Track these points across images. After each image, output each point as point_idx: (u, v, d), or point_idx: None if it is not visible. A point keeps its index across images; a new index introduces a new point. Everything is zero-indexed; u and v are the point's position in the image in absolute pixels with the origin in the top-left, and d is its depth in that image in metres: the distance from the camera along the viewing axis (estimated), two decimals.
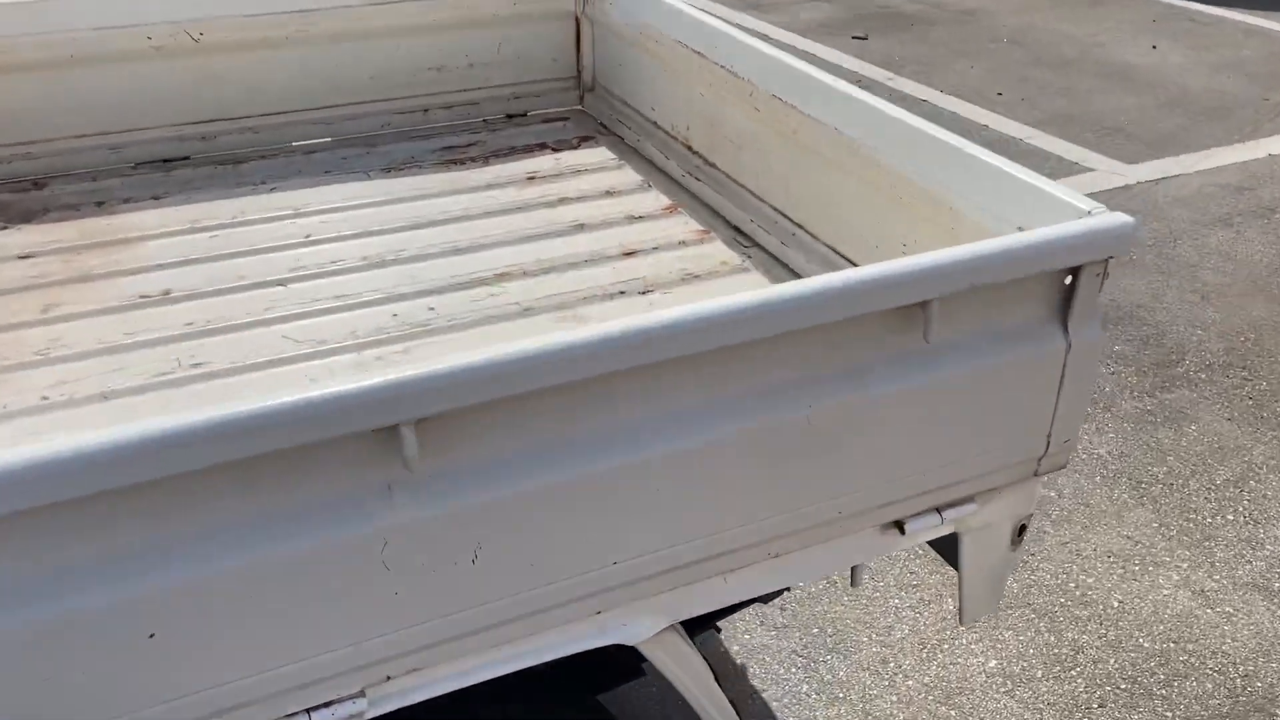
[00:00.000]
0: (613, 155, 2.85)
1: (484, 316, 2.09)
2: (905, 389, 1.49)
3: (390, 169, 2.72)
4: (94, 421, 1.73)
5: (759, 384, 1.40)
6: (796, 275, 2.30)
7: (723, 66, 2.43)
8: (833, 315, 1.37)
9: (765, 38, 7.70)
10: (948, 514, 1.65)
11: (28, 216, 2.40)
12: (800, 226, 2.33)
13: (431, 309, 2.12)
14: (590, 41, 3.07)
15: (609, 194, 2.63)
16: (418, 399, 1.16)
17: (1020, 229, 1.69)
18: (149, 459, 1.05)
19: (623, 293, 2.20)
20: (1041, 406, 1.63)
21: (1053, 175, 5.53)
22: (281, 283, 2.18)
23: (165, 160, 2.70)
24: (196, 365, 1.89)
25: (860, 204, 2.11)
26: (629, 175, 2.74)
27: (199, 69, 2.70)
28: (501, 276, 2.24)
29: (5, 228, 2.35)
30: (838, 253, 2.22)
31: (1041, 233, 1.50)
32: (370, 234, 2.39)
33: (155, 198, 2.51)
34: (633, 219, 2.51)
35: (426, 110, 2.99)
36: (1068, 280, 1.57)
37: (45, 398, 1.78)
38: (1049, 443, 1.67)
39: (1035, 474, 1.71)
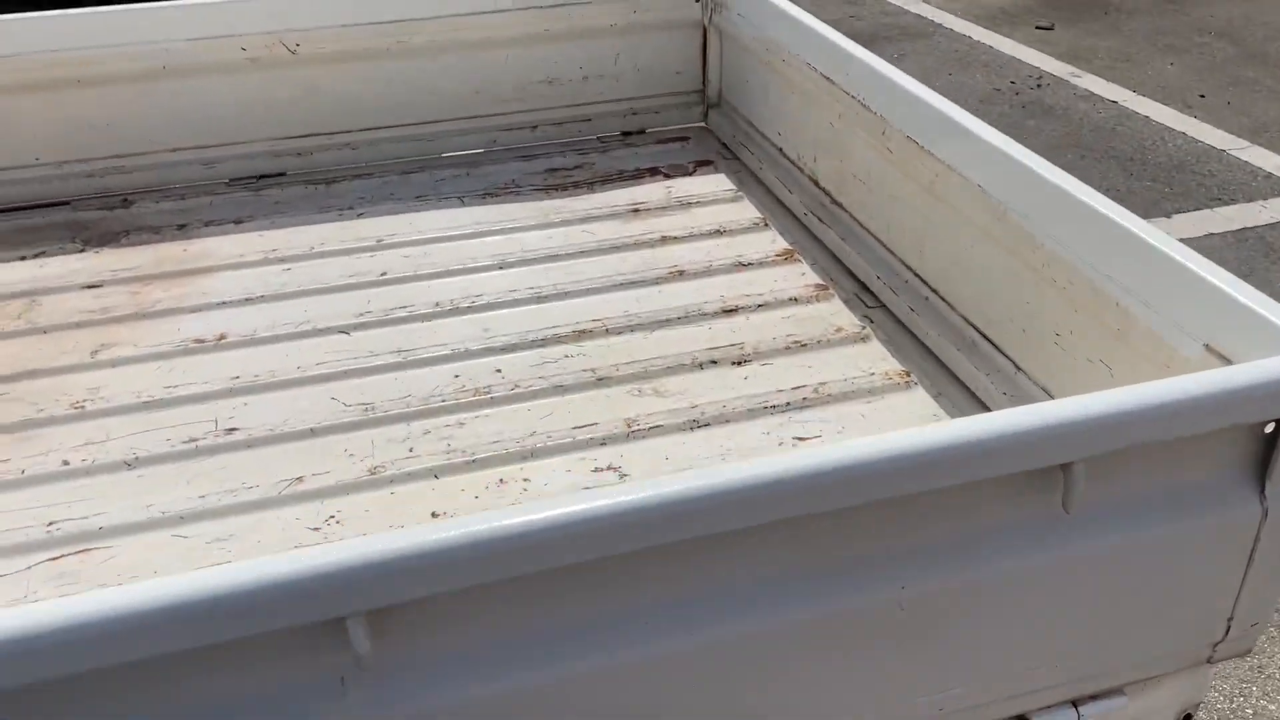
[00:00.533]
0: (730, 185, 2.54)
1: (552, 385, 1.84)
2: (1035, 565, 1.15)
3: (487, 194, 2.51)
4: (108, 496, 1.58)
5: (826, 561, 1.10)
6: (923, 348, 1.94)
7: (854, 97, 2.08)
8: (930, 482, 1.05)
9: (938, 26, 7.14)
10: (1087, 710, 1.29)
11: (107, 239, 2.30)
12: (934, 291, 1.97)
13: (498, 371, 1.88)
14: (718, 54, 2.76)
15: (719, 233, 2.33)
16: (366, 589, 0.91)
17: (1207, 347, 1.31)
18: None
19: (714, 362, 1.90)
20: (1223, 585, 1.25)
21: (1264, 197, 4.84)
22: (344, 330, 2.00)
23: (260, 176, 2.57)
24: (231, 430, 1.72)
25: (1007, 277, 1.74)
26: (745, 210, 2.43)
27: (295, 82, 2.55)
28: (581, 334, 1.98)
29: (82, 250, 2.26)
30: (975, 328, 1.85)
31: (1235, 373, 1.12)
32: (449, 274, 2.18)
33: (237, 221, 2.37)
34: (742, 265, 2.20)
35: (535, 127, 2.76)
36: (1269, 429, 1.19)
37: (66, 462, 1.64)
38: (1229, 627, 1.29)
39: (1209, 661, 1.33)
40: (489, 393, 1.82)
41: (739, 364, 1.90)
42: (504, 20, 2.61)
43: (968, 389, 1.82)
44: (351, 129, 2.64)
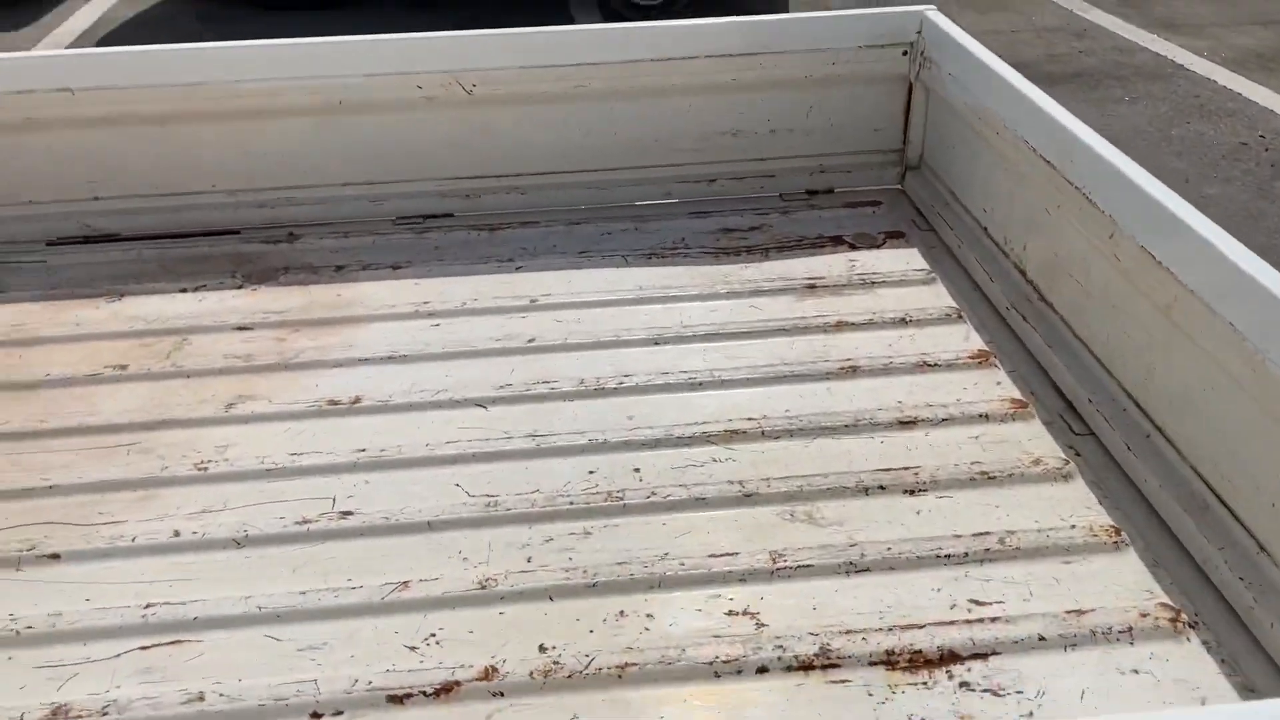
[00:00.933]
0: (923, 263, 2.27)
1: (693, 496, 1.64)
2: None
3: (653, 254, 2.33)
4: (210, 578, 1.50)
5: None
6: (1139, 498, 1.62)
7: (1077, 188, 1.78)
8: None
9: (1179, 68, 6.48)
10: None
11: (266, 276, 2.27)
12: (1159, 428, 1.65)
13: (636, 471, 1.70)
14: (922, 113, 2.49)
15: (904, 322, 2.07)
16: None
17: None
18: None
19: (883, 488, 1.65)
20: None
21: None
22: (482, 404, 1.86)
23: (425, 217, 2.49)
24: (345, 514, 1.61)
25: (1258, 437, 1.41)
26: (937, 295, 2.16)
27: (469, 122, 2.45)
28: (732, 435, 1.77)
29: (240, 286, 2.23)
30: (1209, 486, 1.53)
31: None
32: (599, 346, 2.01)
33: (395, 267, 2.29)
34: (927, 365, 1.93)
35: (713, 180, 2.56)
36: None
37: (177, 533, 1.57)
38: None
39: None
40: (622, 498, 1.64)
41: (912, 493, 1.64)
42: (690, 67, 2.43)
43: (1194, 562, 1.50)
44: (521, 173, 2.53)
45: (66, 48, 7.24)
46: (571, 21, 7.78)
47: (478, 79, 2.40)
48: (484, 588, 1.48)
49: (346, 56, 2.36)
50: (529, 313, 2.13)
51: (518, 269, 2.29)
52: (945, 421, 1.79)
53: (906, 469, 1.69)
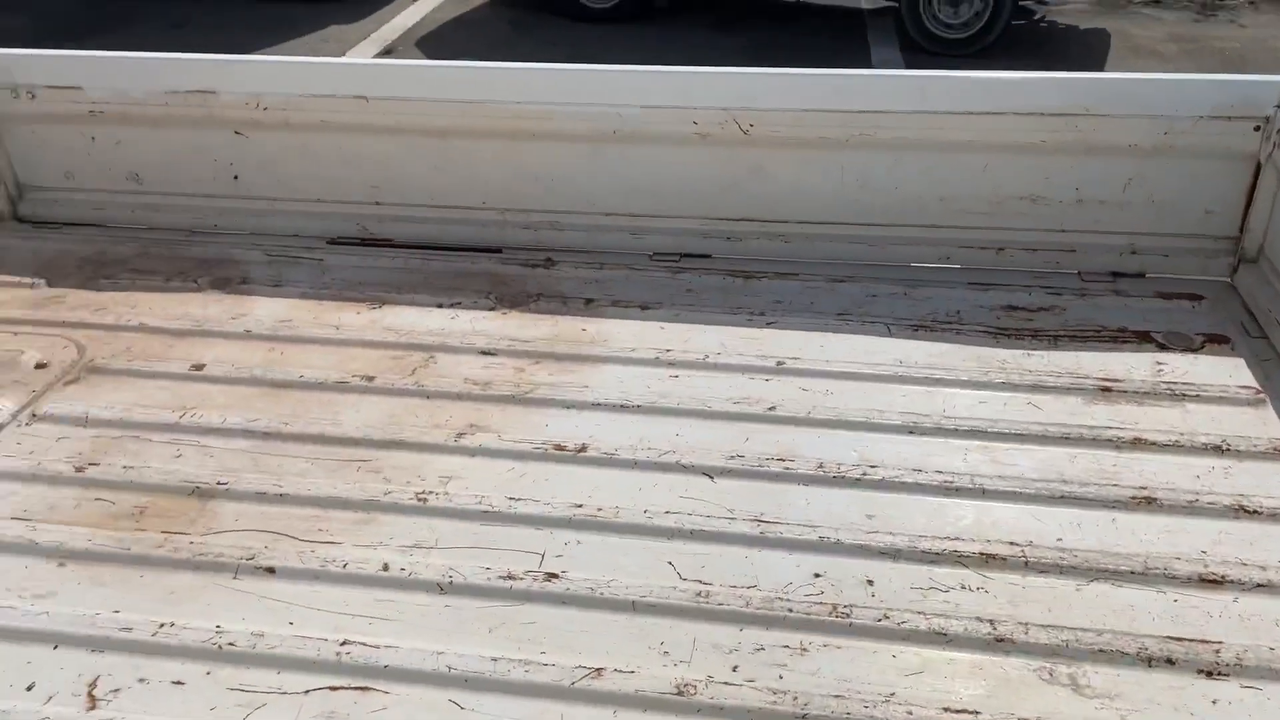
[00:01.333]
0: (1251, 378, 1.91)
1: (933, 629, 1.42)
2: None
3: (921, 325, 2.11)
4: (409, 622, 1.45)
5: None
6: None
7: None
8: None
9: None
10: None
11: (519, 301, 2.24)
12: None
13: (869, 583, 1.50)
14: (1270, 198, 2.11)
15: (1220, 450, 1.73)
16: None
17: None
18: None
19: (1170, 661, 1.36)
20: None
21: None
22: (709, 473, 1.72)
23: (683, 255, 2.39)
24: (551, 575, 1.52)
25: None
26: (1265, 421, 1.80)
27: (741, 162, 2.33)
28: (988, 559, 1.53)
29: (493, 309, 2.22)
30: None
31: None
32: (846, 427, 1.82)
33: (644, 306, 2.20)
34: (1244, 511, 1.60)
35: (1001, 249, 2.30)
36: None
37: (386, 566, 1.54)
38: None
39: None
40: (849, 614, 1.45)
41: (1209, 675, 1.34)
42: (994, 123, 2.18)
43: None
44: (788, 219, 2.37)
45: (392, 43, 7.83)
46: (867, 50, 7.53)
47: (756, 119, 2.27)
48: (681, 694, 1.34)
49: (625, 86, 2.29)
50: (774, 376, 1.97)
51: (769, 324, 2.14)
52: (1263, 588, 1.47)
53: (1205, 642, 1.38)
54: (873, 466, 1.72)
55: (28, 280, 2.31)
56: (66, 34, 7.76)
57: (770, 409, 1.87)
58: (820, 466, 1.72)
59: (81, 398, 1.91)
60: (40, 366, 2.01)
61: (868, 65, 7.20)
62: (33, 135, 2.55)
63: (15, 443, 1.80)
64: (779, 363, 2.00)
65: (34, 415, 1.87)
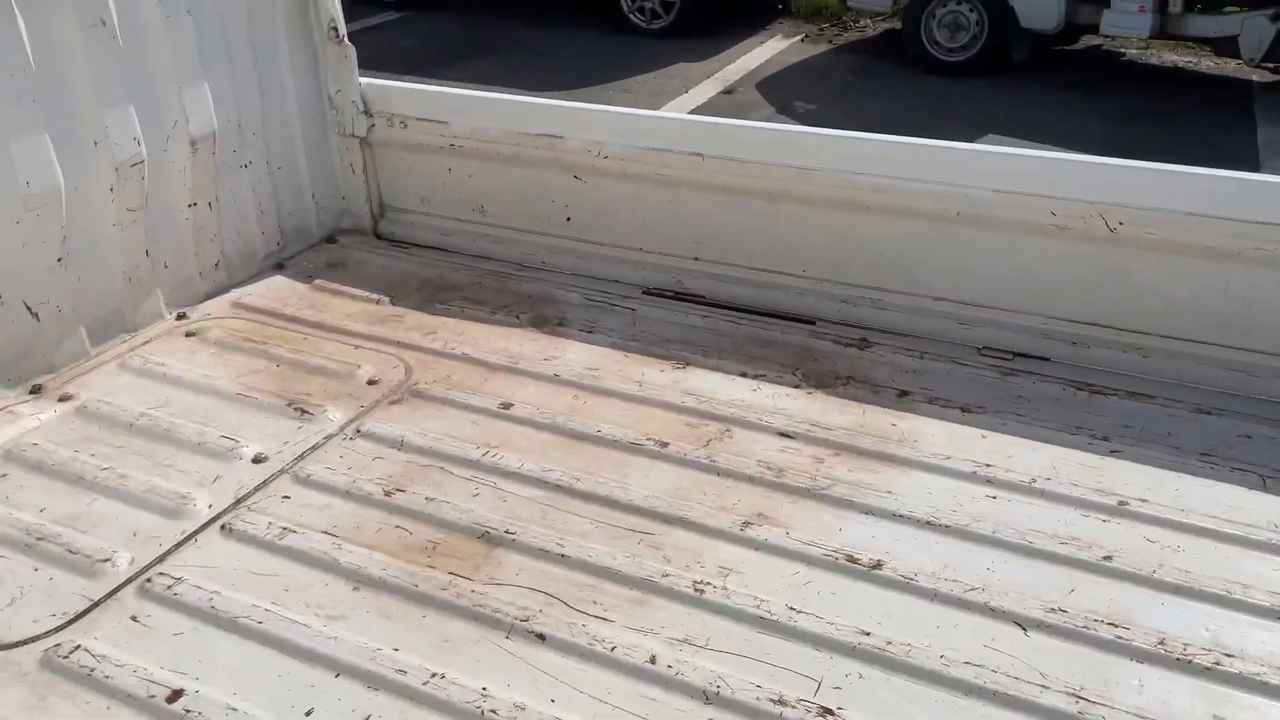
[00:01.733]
0: None
1: None
2: None
3: None
4: None
5: None
6: None
7: None
8: None
9: None
10: None
11: (825, 382, 2.11)
12: None
13: None
14: None
15: None
16: None
17: None
18: None
19: None
20: None
21: None
22: (1022, 624, 1.51)
23: (1016, 354, 2.16)
24: (825, 712, 1.38)
25: None
26: None
27: (1102, 261, 2.07)
28: None
29: (797, 387, 2.10)
30: None
31: None
32: (1196, 597, 1.54)
33: (965, 409, 2.00)
34: None
35: None
36: None
37: (654, 659, 1.46)
38: None
39: None
40: None
41: None
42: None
43: None
44: (1149, 331, 2.08)
45: (733, 83, 7.95)
46: (1253, 128, 6.67)
47: (1127, 217, 2.01)
48: None
49: (977, 168, 2.11)
50: (1114, 517, 1.71)
51: (1113, 451, 1.87)
52: None
53: None
54: (1228, 655, 1.44)
55: (375, 296, 2.48)
56: (449, 55, 8.56)
57: (1105, 558, 1.62)
58: (1162, 643, 1.46)
59: (401, 420, 2.01)
60: (372, 383, 2.14)
61: (1253, 144, 6.39)
62: (399, 161, 2.76)
63: (339, 455, 1.92)
64: (1121, 502, 1.73)
65: (359, 431, 1.98)
